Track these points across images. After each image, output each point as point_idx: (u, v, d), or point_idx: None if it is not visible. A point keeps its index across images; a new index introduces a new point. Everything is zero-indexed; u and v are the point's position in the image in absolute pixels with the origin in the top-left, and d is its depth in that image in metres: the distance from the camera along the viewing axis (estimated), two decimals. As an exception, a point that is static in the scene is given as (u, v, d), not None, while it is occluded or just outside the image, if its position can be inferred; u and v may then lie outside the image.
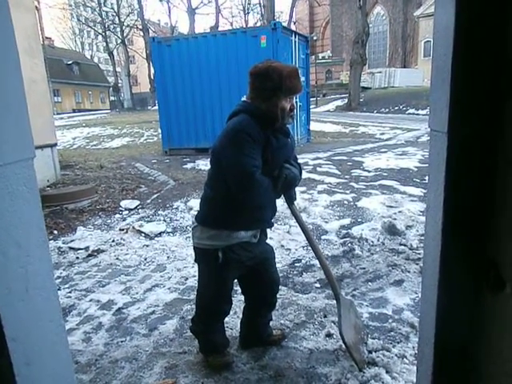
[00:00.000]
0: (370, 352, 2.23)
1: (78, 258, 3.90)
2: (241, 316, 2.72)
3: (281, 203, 2.23)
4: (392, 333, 2.46)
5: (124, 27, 39.72)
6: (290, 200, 2.08)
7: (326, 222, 4.43)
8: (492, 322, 0.85)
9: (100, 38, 47.91)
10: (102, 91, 49.61)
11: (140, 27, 37.09)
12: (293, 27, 29.12)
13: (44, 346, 1.13)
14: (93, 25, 43.59)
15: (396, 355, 2.19)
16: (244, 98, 1.94)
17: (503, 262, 0.82)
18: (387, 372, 2.06)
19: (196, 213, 2.11)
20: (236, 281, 2.22)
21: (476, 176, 0.86)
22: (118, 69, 45.07)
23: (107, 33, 41.74)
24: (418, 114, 20.24)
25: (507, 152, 0.80)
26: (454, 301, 0.90)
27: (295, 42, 9.86)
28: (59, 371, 1.20)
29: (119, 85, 43.48)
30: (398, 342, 2.35)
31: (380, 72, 32.47)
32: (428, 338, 0.97)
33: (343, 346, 2.17)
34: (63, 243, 4.25)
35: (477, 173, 0.86)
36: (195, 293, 3.07)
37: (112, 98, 46.27)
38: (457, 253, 0.89)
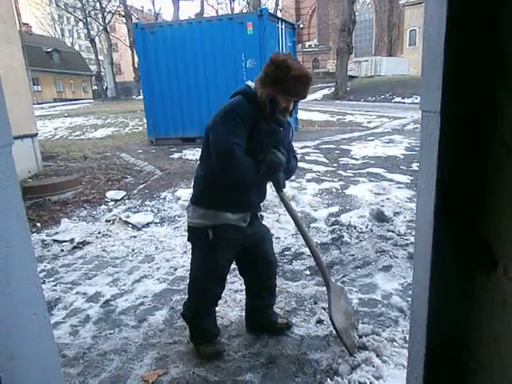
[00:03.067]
0: (360, 337, 2.24)
1: (62, 250, 3.82)
2: (232, 305, 2.72)
3: (270, 191, 2.21)
4: (381, 317, 2.48)
5: (106, 13, 38.62)
6: (278, 187, 2.05)
7: (315, 210, 4.43)
8: (483, 302, 0.86)
9: (81, 24, 46.54)
10: (84, 80, 48.55)
11: (122, 14, 36.19)
12: (279, 15, 28.81)
13: (28, 340, 1.09)
14: (73, 11, 42.05)
15: (386, 339, 2.21)
16: (249, 82, 2.00)
17: (496, 243, 0.82)
18: (378, 356, 2.07)
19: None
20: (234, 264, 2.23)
21: (469, 156, 0.86)
22: (101, 57, 43.80)
23: (88, 19, 40.50)
24: (403, 103, 20.37)
25: (499, 131, 0.79)
26: (447, 282, 0.90)
27: (282, 29, 9.75)
28: (45, 365, 1.16)
29: (102, 73, 42.53)
30: (388, 327, 2.36)
31: (366, 61, 32.48)
32: (420, 321, 0.96)
33: (334, 331, 2.17)
34: (47, 236, 4.16)
35: (469, 152, 0.86)
36: (185, 283, 3.07)
37: (95, 87, 45.25)
38: (449, 234, 0.89)
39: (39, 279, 1.16)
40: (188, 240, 2.15)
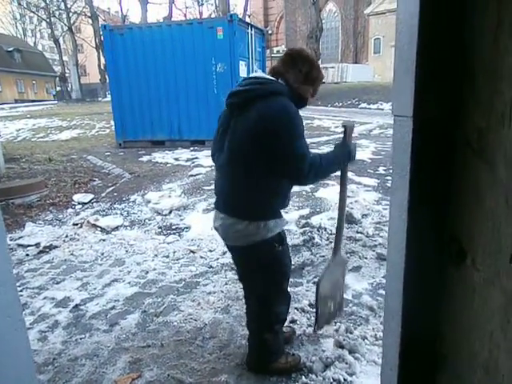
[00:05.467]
0: (336, 323, 2.30)
1: (27, 255, 3.69)
2: (205, 307, 2.72)
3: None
4: (353, 316, 2.55)
5: (71, 14, 37.53)
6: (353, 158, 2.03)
7: (286, 213, 4.45)
8: (454, 293, 0.91)
9: (44, 24, 44.98)
10: (47, 81, 46.85)
11: (88, 14, 35.24)
12: (247, 20, 28.96)
13: (2, 343, 1.06)
14: (36, 10, 40.68)
15: (358, 337, 2.28)
16: (260, 73, 1.87)
17: (464, 237, 0.88)
18: (350, 353, 2.14)
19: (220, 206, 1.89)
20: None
21: (438, 157, 0.91)
22: (65, 58, 42.52)
23: (52, 19, 39.21)
24: (369, 109, 20.94)
25: (466, 134, 0.86)
26: (420, 275, 0.95)
27: (251, 34, 9.83)
28: (19, 368, 1.14)
29: (66, 75, 41.21)
30: (359, 325, 2.44)
31: (333, 67, 33.14)
32: (395, 312, 1.01)
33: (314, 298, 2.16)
34: (11, 240, 3.99)
35: (439, 154, 0.91)
36: (157, 286, 3.05)
37: (58, 88, 43.70)
38: (421, 229, 0.94)
39: (15, 281, 1.13)
40: (251, 258, 1.89)
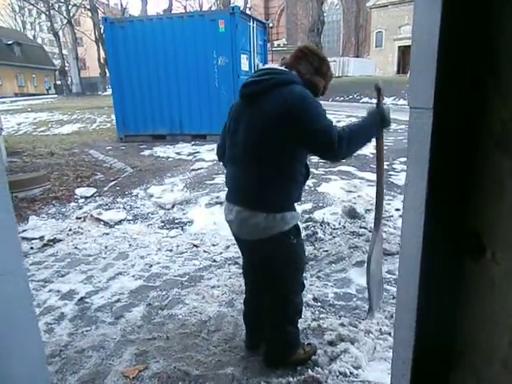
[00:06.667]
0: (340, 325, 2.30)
1: (32, 248, 3.69)
2: (210, 301, 2.74)
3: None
4: (357, 310, 2.55)
5: (70, 6, 37.24)
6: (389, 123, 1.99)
7: (289, 207, 4.49)
8: (472, 286, 0.91)
9: (43, 16, 44.71)
10: (47, 75, 46.66)
11: (88, 7, 35.02)
12: (248, 13, 28.74)
13: (13, 334, 1.07)
14: (35, 2, 40.37)
15: (362, 331, 2.28)
16: (271, 65, 1.90)
17: (484, 230, 0.86)
18: (356, 347, 2.14)
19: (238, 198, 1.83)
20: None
21: (458, 149, 0.89)
22: (65, 51, 42.24)
23: (51, 12, 38.92)
24: (371, 103, 20.81)
25: (489, 125, 0.84)
26: (436, 268, 0.94)
27: (253, 27, 9.76)
28: (31, 359, 1.14)
29: (66, 68, 41.01)
30: (364, 319, 2.44)
31: (334, 61, 32.89)
32: (409, 305, 1.00)
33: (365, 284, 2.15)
34: (15, 233, 4.00)
35: (459, 145, 0.89)
36: (161, 279, 3.06)
37: (58, 82, 43.49)
38: (439, 223, 0.93)
39: (26, 272, 1.13)
40: (267, 251, 1.84)
